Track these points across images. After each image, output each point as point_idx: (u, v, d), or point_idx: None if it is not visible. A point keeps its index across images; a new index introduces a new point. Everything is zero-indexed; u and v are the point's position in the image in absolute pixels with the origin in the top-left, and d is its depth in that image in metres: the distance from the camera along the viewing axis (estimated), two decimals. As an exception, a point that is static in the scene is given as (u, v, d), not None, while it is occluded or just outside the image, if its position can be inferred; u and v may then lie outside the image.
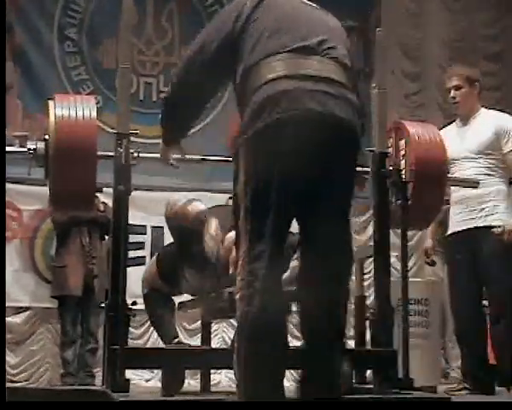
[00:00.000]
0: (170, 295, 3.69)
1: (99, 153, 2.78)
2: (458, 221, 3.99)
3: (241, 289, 2.17)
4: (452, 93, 4.17)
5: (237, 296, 2.19)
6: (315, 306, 2.24)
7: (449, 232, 4.08)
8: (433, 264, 4.71)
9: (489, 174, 3.95)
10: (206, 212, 3.59)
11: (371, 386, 3.03)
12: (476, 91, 4.19)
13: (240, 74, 2.33)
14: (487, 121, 4.07)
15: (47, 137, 2.77)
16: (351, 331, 3.46)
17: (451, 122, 4.27)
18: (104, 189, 4.25)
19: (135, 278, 5.58)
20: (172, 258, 3.59)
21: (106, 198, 4.89)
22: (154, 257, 3.66)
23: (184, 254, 3.53)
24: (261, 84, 2.24)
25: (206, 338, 3.82)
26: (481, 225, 3.92)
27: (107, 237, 5.54)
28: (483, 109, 4.19)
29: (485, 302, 4.11)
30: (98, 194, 5.23)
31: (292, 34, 2.30)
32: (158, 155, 2.85)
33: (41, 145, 2.79)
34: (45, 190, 2.88)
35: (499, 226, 3.92)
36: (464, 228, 4.00)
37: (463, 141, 4.01)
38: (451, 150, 3.55)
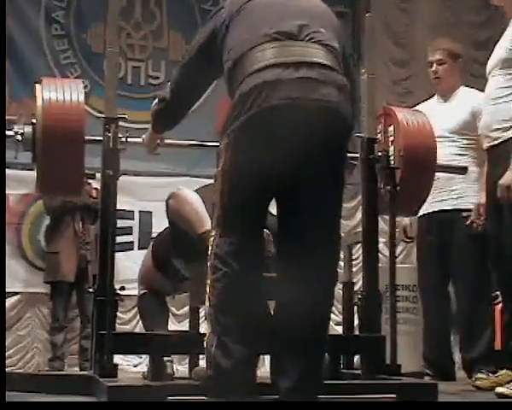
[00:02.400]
0: (168, 294, 3.64)
1: (87, 137, 2.76)
2: (428, 202, 3.85)
3: (211, 273, 2.25)
4: (434, 67, 4.11)
5: (208, 281, 2.25)
6: (292, 303, 2.23)
7: (419, 213, 3.95)
8: (410, 240, 4.58)
9: (461, 154, 3.87)
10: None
11: (359, 372, 3.04)
12: (459, 68, 4.13)
13: (228, 67, 2.36)
14: (465, 100, 4.00)
15: (34, 120, 2.75)
16: (339, 317, 3.47)
17: (432, 96, 4.21)
18: (97, 175, 4.23)
19: (123, 264, 5.66)
20: (167, 247, 3.53)
21: (99, 184, 4.87)
22: (148, 249, 3.60)
23: (178, 243, 3.48)
24: (244, 77, 2.26)
25: (195, 324, 3.82)
26: (450, 207, 3.85)
27: (97, 223, 5.54)
28: (463, 87, 4.13)
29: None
30: (91, 180, 5.23)
31: (275, 23, 2.30)
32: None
33: (28, 129, 2.77)
34: (32, 174, 2.86)
35: (468, 210, 3.86)
36: (435, 210, 3.92)
37: (440, 118, 3.85)
38: None
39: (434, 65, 4.11)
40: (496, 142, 3.31)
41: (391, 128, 3.21)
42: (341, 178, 2.33)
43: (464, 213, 3.89)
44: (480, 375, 3.66)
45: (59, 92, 2.73)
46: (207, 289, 2.30)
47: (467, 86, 4.16)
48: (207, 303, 2.30)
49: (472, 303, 3.90)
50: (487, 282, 4.04)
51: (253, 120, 2.19)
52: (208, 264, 2.28)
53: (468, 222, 3.86)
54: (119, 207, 2.87)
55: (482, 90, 3.62)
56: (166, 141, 3.03)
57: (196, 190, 3.38)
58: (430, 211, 3.92)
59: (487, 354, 3.87)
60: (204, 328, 2.38)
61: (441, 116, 3.91)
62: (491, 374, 3.64)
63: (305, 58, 2.24)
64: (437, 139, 3.36)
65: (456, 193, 3.87)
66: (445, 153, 3.73)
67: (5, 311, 5.62)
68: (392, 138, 3.20)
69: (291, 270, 2.26)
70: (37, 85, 2.79)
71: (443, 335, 4.04)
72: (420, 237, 4.15)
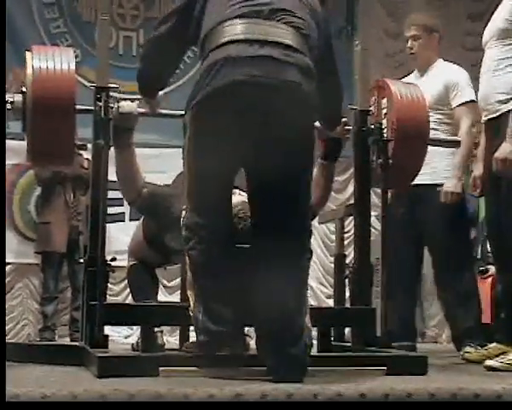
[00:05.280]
0: (158, 266, 3.64)
1: (78, 107, 2.73)
2: None
3: (185, 245, 2.40)
4: (409, 43, 4.08)
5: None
6: (265, 277, 2.27)
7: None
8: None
9: (435, 129, 3.76)
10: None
11: (349, 344, 3.05)
12: (435, 42, 4.10)
13: (199, 40, 2.41)
14: (439, 74, 3.98)
15: (24, 89, 2.72)
16: (330, 290, 3.49)
17: (411, 72, 4.18)
18: (89, 146, 4.20)
19: (114, 235, 5.64)
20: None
21: (90, 155, 4.84)
22: (139, 222, 3.59)
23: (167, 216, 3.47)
24: (210, 51, 2.31)
25: (186, 295, 3.82)
26: (423, 182, 3.72)
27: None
28: (440, 61, 4.10)
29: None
30: (82, 151, 5.21)
31: (247, 1, 2.33)
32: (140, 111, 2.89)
33: (18, 98, 2.73)
34: (23, 144, 2.83)
35: (442, 185, 3.85)
36: None
37: None
38: None
39: (410, 40, 4.08)
40: (493, 115, 3.29)
41: (384, 101, 3.19)
42: (300, 155, 2.33)
43: (438, 188, 3.87)
44: (468, 348, 3.67)
45: (49, 60, 2.69)
46: (186, 261, 2.39)
47: (445, 60, 4.13)
48: (188, 274, 2.41)
49: (455, 276, 3.89)
50: (469, 253, 4.04)
51: (213, 95, 2.25)
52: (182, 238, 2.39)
53: (442, 198, 3.82)
54: (110, 177, 2.85)
55: (476, 64, 3.60)
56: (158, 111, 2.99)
57: (174, 181, 3.37)
58: None
59: (475, 326, 3.87)
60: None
61: None
62: (479, 347, 3.65)
63: (269, 37, 2.28)
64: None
65: (430, 168, 3.81)
66: None
67: (5, 311, 5.61)
68: (385, 111, 3.18)
69: (262, 244, 2.32)
70: (27, 53, 2.75)
71: (406, 307, 3.98)
72: (393, 210, 4.11)
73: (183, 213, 2.44)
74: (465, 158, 3.95)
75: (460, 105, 3.93)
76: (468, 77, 4.01)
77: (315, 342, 2.63)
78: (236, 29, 2.28)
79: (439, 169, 3.88)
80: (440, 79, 3.95)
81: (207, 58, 2.31)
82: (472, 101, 3.90)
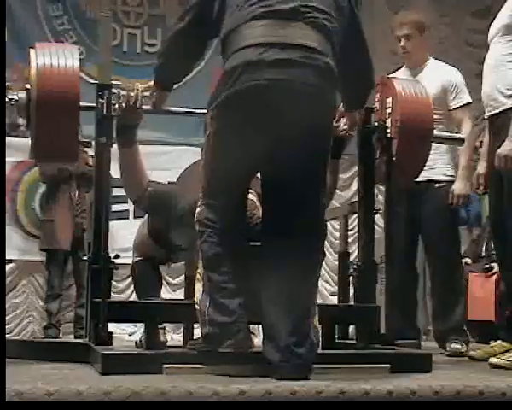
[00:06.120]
0: (163, 263, 3.64)
1: (82, 104, 2.73)
2: None
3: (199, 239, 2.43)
4: (402, 42, 4.04)
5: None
6: (276, 273, 2.32)
7: None
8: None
9: None
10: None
11: (353, 341, 3.05)
12: (426, 40, 4.08)
13: (220, 39, 2.43)
14: (435, 75, 3.95)
15: (28, 86, 2.72)
16: (334, 287, 3.48)
17: (400, 68, 4.16)
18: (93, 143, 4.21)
19: (118, 232, 5.65)
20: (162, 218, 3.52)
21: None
22: (144, 218, 3.59)
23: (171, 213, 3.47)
24: (231, 53, 2.34)
25: (190, 292, 3.81)
26: (422, 179, 3.65)
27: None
28: (432, 60, 4.09)
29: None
30: (87, 149, 5.21)
31: (268, 1, 2.33)
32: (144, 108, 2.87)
33: (22, 95, 2.74)
34: (27, 141, 2.83)
35: (441, 181, 3.87)
36: None
37: None
38: None
39: (402, 40, 4.05)
40: (497, 110, 3.28)
41: (389, 100, 3.19)
42: (316, 157, 2.38)
43: (436, 185, 3.88)
44: (454, 345, 3.72)
45: (53, 57, 2.69)
46: (199, 255, 2.45)
47: (436, 59, 4.12)
48: (200, 267, 2.44)
49: (445, 274, 3.91)
50: (459, 253, 4.05)
51: (234, 97, 2.30)
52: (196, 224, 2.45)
53: (453, 201, 3.83)
54: (113, 175, 2.85)
55: (480, 62, 3.59)
56: (163, 108, 2.98)
57: (187, 168, 3.37)
58: None
59: (461, 324, 3.92)
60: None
61: None
62: (464, 344, 3.73)
63: (289, 39, 2.29)
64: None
65: (428, 165, 3.81)
66: None
67: (5, 311, 5.61)
68: (389, 110, 3.18)
69: (274, 244, 2.36)
70: (31, 51, 2.75)
71: (406, 307, 3.96)
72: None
73: (198, 208, 2.47)
74: (470, 158, 3.97)
75: (460, 107, 3.95)
76: (463, 78, 4.03)
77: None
78: (256, 32, 2.30)
79: (435, 166, 3.87)
80: (437, 79, 3.92)
81: (229, 60, 2.34)
82: (470, 103, 3.96)
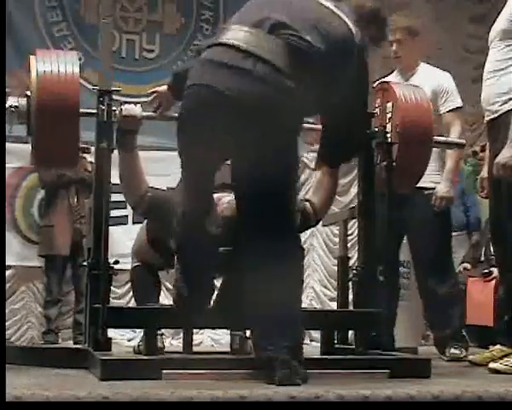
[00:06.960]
0: (162, 269, 3.64)
1: (82, 110, 2.73)
2: None
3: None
4: (394, 47, 4.04)
5: None
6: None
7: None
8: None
9: None
10: None
11: (353, 347, 3.05)
12: (419, 44, 4.08)
13: None
14: (426, 79, 3.93)
15: (29, 93, 2.72)
16: (333, 293, 3.48)
17: (391, 73, 4.16)
18: (92, 149, 4.21)
19: (117, 238, 5.64)
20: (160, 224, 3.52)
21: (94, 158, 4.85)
22: (144, 224, 3.59)
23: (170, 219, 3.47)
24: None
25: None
26: None
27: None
28: (423, 64, 4.09)
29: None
30: (86, 154, 5.21)
31: (251, 12, 2.45)
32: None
33: (23, 102, 2.74)
34: (26, 147, 2.83)
35: (430, 188, 3.86)
36: None
37: None
38: None
39: (395, 44, 4.04)
40: (495, 115, 3.28)
41: (389, 105, 3.19)
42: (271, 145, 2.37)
43: (425, 192, 3.87)
44: (453, 350, 3.73)
45: (54, 64, 2.69)
46: None
47: (428, 63, 4.12)
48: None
49: (438, 280, 3.90)
50: (450, 259, 4.06)
51: (184, 98, 2.49)
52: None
53: (436, 203, 3.84)
54: (113, 180, 2.85)
55: (477, 67, 3.59)
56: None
57: (179, 184, 3.38)
58: None
59: (460, 329, 3.93)
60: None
61: None
62: (463, 349, 3.74)
63: (232, 41, 2.36)
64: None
65: None
66: None
67: (5, 311, 5.61)
68: (389, 115, 3.18)
69: (247, 242, 2.45)
70: (31, 57, 2.75)
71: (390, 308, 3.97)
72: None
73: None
74: (457, 162, 3.99)
75: (450, 111, 3.95)
76: (454, 82, 4.03)
77: (318, 344, 2.63)
78: (220, 34, 2.43)
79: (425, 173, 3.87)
80: (428, 84, 3.87)
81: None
82: (461, 107, 3.96)
